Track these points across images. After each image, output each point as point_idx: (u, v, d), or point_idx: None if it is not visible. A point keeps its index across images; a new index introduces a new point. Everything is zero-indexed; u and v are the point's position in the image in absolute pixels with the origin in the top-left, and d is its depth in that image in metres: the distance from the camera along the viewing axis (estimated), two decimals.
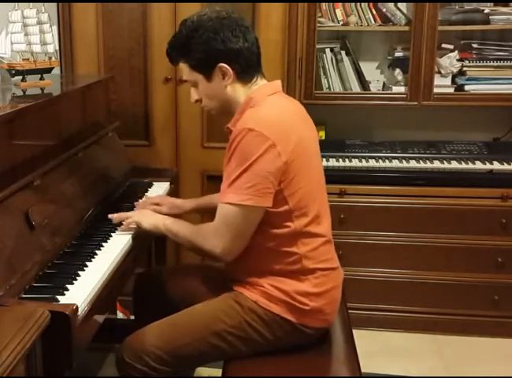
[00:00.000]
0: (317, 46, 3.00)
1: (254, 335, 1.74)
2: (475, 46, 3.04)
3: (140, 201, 2.22)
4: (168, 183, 2.55)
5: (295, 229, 1.71)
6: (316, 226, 1.75)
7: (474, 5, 2.99)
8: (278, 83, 1.83)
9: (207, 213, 2.38)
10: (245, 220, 1.67)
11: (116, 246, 1.86)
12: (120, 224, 1.98)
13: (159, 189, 2.47)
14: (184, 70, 1.79)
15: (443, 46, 3.07)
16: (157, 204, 2.13)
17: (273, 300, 1.73)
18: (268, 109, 1.72)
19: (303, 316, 1.74)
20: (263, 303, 1.73)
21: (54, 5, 2.78)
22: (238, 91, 1.76)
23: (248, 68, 1.75)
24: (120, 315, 2.81)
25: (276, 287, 1.73)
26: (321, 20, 3.01)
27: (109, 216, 2.00)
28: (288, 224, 1.71)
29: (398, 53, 3.10)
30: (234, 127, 1.74)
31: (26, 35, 2.05)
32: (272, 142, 1.63)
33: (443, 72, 3.04)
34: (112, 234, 1.94)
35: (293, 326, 1.74)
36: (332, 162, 2.97)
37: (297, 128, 1.73)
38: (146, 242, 2.22)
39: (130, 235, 1.94)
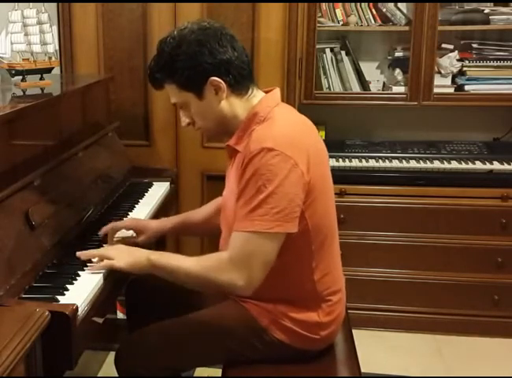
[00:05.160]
0: (317, 46, 3.00)
1: (257, 356, 1.69)
2: (475, 46, 3.04)
3: (107, 226, 1.91)
4: (168, 183, 2.55)
5: (312, 253, 1.63)
6: (330, 245, 1.69)
7: (474, 5, 2.99)
8: (277, 92, 1.69)
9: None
10: (271, 248, 1.53)
11: None
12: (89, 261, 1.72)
13: (159, 189, 2.47)
14: (172, 92, 1.64)
15: (443, 46, 3.07)
16: (129, 229, 1.92)
17: (283, 329, 1.66)
18: (282, 125, 1.59)
19: (312, 344, 1.70)
20: (272, 331, 1.66)
21: (54, 5, 2.78)
22: (235, 106, 1.63)
23: (241, 78, 1.61)
24: (120, 315, 2.81)
25: (287, 316, 1.66)
26: (321, 20, 3.01)
27: (77, 253, 1.73)
28: (305, 247, 1.62)
29: (398, 53, 3.10)
30: (238, 145, 1.63)
31: (26, 35, 2.05)
32: (294, 162, 1.51)
33: (443, 72, 3.04)
34: None
35: (297, 351, 1.69)
36: (332, 162, 2.96)
37: (311, 142, 1.62)
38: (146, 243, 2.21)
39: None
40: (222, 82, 1.59)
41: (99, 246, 1.83)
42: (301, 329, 1.67)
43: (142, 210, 2.22)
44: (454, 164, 2.95)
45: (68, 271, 1.66)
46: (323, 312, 1.69)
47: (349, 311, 2.00)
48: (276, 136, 1.54)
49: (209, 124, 1.67)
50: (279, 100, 1.68)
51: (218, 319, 1.71)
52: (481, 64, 3.03)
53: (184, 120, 1.70)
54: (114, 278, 1.71)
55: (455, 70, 3.05)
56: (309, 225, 1.59)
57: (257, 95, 1.66)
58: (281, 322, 1.66)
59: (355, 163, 2.98)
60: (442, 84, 3.03)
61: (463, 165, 2.94)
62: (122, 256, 1.66)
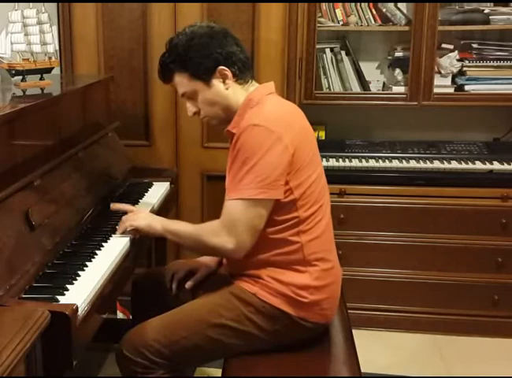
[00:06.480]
0: (317, 46, 3.00)
1: (252, 329, 1.75)
2: (475, 46, 3.04)
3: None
4: (168, 183, 2.55)
5: (299, 217, 1.73)
6: (318, 215, 1.77)
7: (474, 5, 3.00)
8: (272, 84, 1.86)
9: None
10: (258, 213, 1.67)
11: (116, 246, 1.85)
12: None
13: (159, 189, 2.47)
14: (182, 82, 1.79)
15: (443, 46, 3.07)
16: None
17: (272, 292, 1.74)
18: (270, 106, 1.76)
19: (302, 310, 1.75)
20: (262, 295, 1.75)
21: (54, 5, 2.78)
22: (238, 93, 1.80)
23: (244, 69, 1.80)
24: (120, 315, 2.81)
25: (275, 278, 1.75)
26: (321, 20, 3.01)
27: (111, 205, 2.05)
28: (292, 212, 1.72)
29: (398, 53, 3.10)
30: (235, 128, 1.76)
31: (26, 35, 2.05)
32: (278, 136, 1.66)
33: (443, 72, 3.04)
34: (112, 234, 1.93)
35: (291, 319, 1.75)
36: (332, 162, 2.97)
37: (297, 121, 1.79)
38: (145, 242, 2.21)
39: (129, 237, 1.93)
40: (229, 71, 1.77)
41: (100, 245, 1.83)
42: (289, 291, 1.74)
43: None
44: (454, 164, 2.95)
45: (68, 271, 1.66)
46: (311, 275, 1.76)
47: (349, 311, 2.01)
48: (263, 115, 1.71)
49: (214, 111, 1.81)
50: (273, 90, 1.84)
51: (209, 302, 1.80)
52: (481, 64, 3.03)
53: (191, 109, 1.84)
54: (114, 278, 1.71)
55: (455, 70, 3.05)
56: (295, 194, 1.71)
57: (254, 85, 1.85)
58: (268, 285, 1.75)
59: (355, 163, 2.98)
60: (442, 84, 3.03)
61: (463, 165, 2.94)
62: (143, 215, 1.93)
